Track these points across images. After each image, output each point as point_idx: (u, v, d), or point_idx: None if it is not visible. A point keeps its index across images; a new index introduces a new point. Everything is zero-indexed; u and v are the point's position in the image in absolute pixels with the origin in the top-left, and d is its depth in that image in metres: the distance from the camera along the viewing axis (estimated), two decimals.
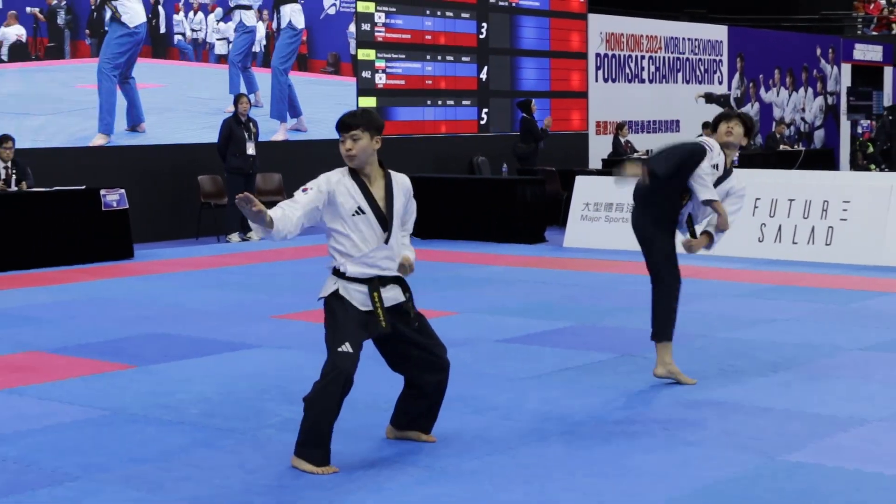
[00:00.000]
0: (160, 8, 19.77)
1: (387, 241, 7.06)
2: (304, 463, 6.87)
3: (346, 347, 6.84)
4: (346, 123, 7.10)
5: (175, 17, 19.99)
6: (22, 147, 17.15)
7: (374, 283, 7.03)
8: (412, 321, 7.20)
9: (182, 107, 20.06)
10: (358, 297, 6.99)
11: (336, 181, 7.03)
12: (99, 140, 18.78)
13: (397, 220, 7.20)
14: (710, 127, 9.43)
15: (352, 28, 22.54)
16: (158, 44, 19.84)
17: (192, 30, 20.27)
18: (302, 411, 6.90)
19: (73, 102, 18.60)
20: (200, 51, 20.44)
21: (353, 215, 6.95)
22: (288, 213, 6.75)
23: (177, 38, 20.03)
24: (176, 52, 20.12)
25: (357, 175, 7.13)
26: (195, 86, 20.36)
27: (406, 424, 7.49)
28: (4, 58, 17.62)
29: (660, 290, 9.25)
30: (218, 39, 20.61)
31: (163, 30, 19.86)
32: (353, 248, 6.97)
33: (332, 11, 22.26)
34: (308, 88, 21.91)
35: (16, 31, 17.57)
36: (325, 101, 21.95)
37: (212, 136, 19.57)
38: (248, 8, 20.93)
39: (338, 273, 7.02)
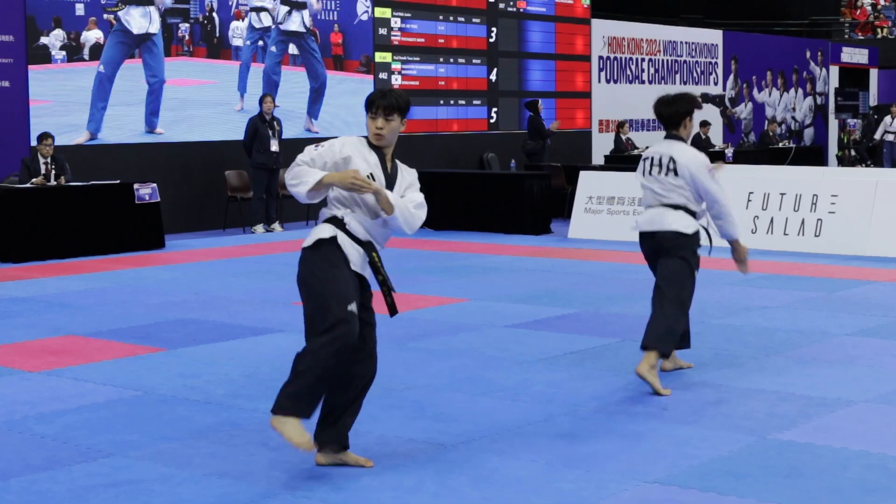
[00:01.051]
0: (214, 14, 20.06)
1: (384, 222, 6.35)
2: (289, 421, 6.12)
3: (353, 308, 6.12)
4: (387, 105, 6.50)
5: (234, 23, 20.43)
6: (61, 144, 17.18)
7: (371, 246, 6.34)
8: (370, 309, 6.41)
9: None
10: (354, 254, 6.27)
11: (353, 145, 6.41)
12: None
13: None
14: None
15: (383, 32, 22.59)
16: (211, 45, 20.13)
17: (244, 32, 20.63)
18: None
19: (141, 94, 19.17)
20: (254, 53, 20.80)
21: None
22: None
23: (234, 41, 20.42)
24: (228, 53, 20.41)
25: (376, 148, 6.52)
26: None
27: (332, 426, 6.45)
28: (86, 56, 18.40)
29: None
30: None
31: (217, 33, 20.24)
32: (355, 206, 6.31)
33: (364, 18, 22.35)
34: (332, 87, 21.95)
35: (95, 35, 18.49)
36: (345, 98, 21.93)
37: (238, 134, 19.59)
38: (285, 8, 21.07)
39: (335, 221, 6.29)
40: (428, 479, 6.30)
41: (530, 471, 6.44)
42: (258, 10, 20.79)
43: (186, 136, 19.63)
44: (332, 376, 6.17)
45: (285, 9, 21.14)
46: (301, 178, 6.19)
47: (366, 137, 6.55)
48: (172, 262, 15.71)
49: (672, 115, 8.81)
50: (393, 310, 6.41)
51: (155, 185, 17.45)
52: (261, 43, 20.81)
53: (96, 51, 18.46)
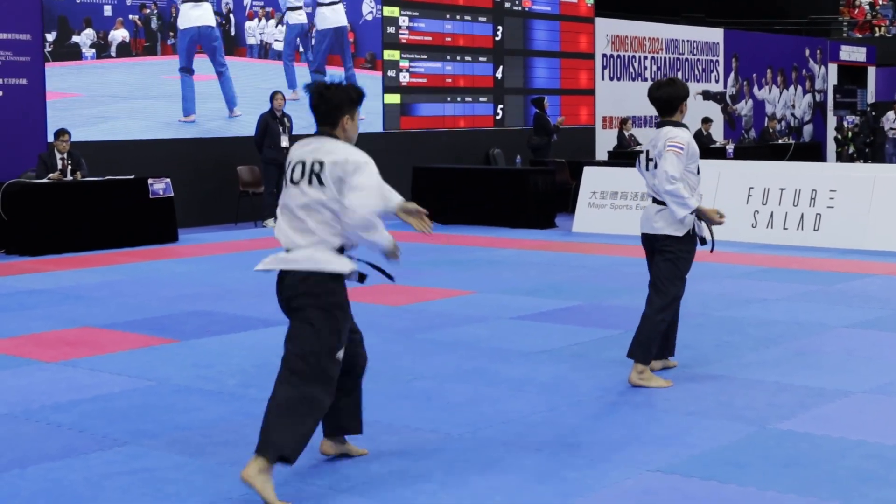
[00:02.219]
0: (231, 15, 20.24)
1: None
2: (267, 484, 5.71)
3: (340, 356, 5.99)
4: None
5: (248, 23, 20.58)
6: (77, 140, 17.21)
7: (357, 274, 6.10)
8: None
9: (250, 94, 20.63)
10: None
11: None
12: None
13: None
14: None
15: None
16: (230, 43, 20.32)
17: (261, 33, 20.81)
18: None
19: (162, 90, 19.44)
20: (263, 50, 20.90)
21: None
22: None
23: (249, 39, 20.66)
24: (244, 51, 20.57)
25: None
26: (257, 78, 20.82)
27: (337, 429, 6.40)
28: (113, 54, 18.85)
29: None
30: (276, 41, 21.00)
31: (233, 32, 20.40)
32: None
33: (369, 17, 22.33)
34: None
35: (121, 34, 18.96)
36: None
37: (250, 131, 19.60)
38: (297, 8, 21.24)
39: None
40: (435, 468, 6.31)
41: (535, 460, 6.44)
42: (294, 8, 20.98)
43: (210, 130, 19.72)
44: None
45: (325, 8, 21.45)
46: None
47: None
48: (186, 256, 15.72)
49: (667, 98, 8.55)
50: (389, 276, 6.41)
51: (169, 180, 17.46)
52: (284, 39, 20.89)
53: (123, 49, 18.91)
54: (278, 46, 21.05)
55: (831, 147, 35.77)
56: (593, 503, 5.78)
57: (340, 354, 5.94)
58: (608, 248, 16.11)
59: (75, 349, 9.59)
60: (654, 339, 8.29)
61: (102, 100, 18.62)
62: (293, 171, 5.97)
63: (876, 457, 6.45)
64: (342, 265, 5.92)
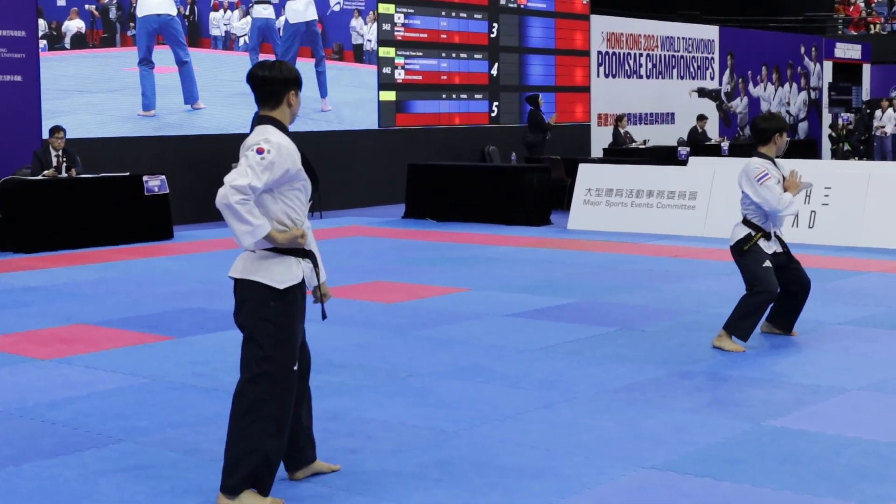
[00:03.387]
0: (195, 6, 19.94)
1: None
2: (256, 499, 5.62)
3: (296, 369, 5.78)
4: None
5: (213, 13, 20.26)
6: (73, 137, 17.19)
7: (311, 255, 5.93)
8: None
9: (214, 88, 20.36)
10: (307, 275, 5.90)
11: (289, 142, 5.85)
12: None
13: None
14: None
15: (354, 22, 22.43)
16: (193, 34, 20.04)
17: (225, 24, 20.51)
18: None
19: (121, 83, 19.03)
20: (227, 41, 20.61)
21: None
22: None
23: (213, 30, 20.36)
24: (208, 42, 20.28)
25: (289, 134, 5.90)
26: (221, 70, 20.56)
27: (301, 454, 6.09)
28: (67, 45, 18.28)
29: None
30: (244, 35, 20.75)
31: (197, 23, 20.13)
32: (299, 215, 5.86)
33: (336, 8, 22.18)
34: (349, 78, 22.00)
35: (76, 24, 18.39)
36: (347, 91, 21.96)
37: (245, 129, 19.59)
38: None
39: (289, 251, 5.75)
40: (431, 465, 6.30)
41: (531, 457, 6.44)
42: (261, 2, 20.86)
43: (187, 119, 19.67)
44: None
45: (296, 2, 21.32)
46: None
47: (278, 123, 5.95)
48: (181, 253, 15.71)
49: (763, 130, 9.43)
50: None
51: (164, 177, 17.45)
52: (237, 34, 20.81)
53: (78, 40, 18.36)
54: (244, 38, 20.78)
55: (826, 144, 35.81)
56: (589, 499, 5.78)
57: None
58: (603, 245, 16.11)
59: (70, 346, 9.58)
60: (743, 320, 9.27)
61: (55, 93, 18.02)
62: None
63: (871, 453, 6.45)
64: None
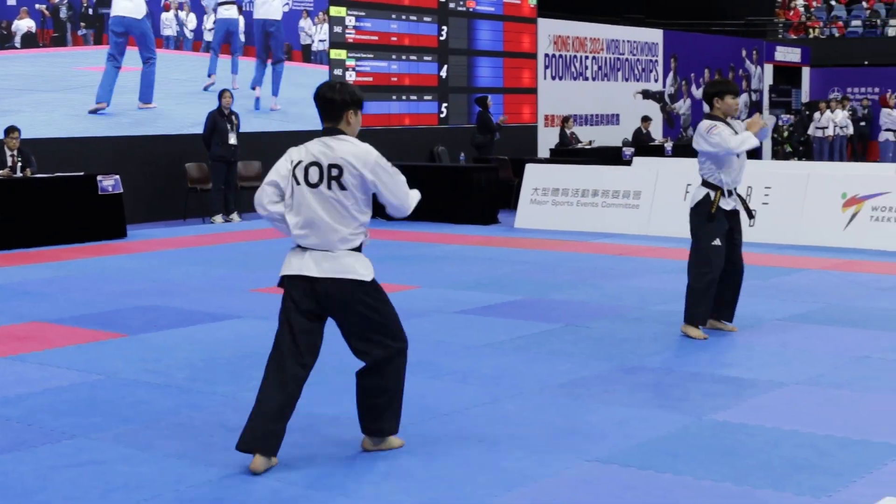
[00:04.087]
0: (147, 6, 19.79)
1: None
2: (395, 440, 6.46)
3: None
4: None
5: (164, 14, 20.13)
6: (27, 137, 17.06)
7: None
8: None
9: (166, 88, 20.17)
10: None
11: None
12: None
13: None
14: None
15: (302, 23, 22.34)
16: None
17: (178, 24, 20.38)
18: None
19: (72, 82, 18.80)
20: (178, 42, 20.46)
21: None
22: None
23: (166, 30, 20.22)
24: (160, 42, 20.08)
25: None
26: (176, 70, 20.42)
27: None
28: (18, 45, 18.05)
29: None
30: (207, 32, 20.67)
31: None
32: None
33: (285, 9, 22.07)
34: (298, 78, 21.95)
35: (27, 24, 18.13)
36: (296, 91, 21.90)
37: (198, 128, 19.50)
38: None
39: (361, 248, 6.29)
40: (379, 460, 6.31)
41: (477, 451, 6.46)
42: (224, 3, 20.81)
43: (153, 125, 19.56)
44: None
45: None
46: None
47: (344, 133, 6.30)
48: (134, 252, 15.63)
49: (704, 94, 9.73)
50: None
51: (118, 176, 17.36)
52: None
53: (28, 40, 18.10)
54: (204, 37, 20.62)
55: (767, 145, 36.03)
56: (534, 492, 5.80)
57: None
58: (550, 243, 16.15)
59: (24, 344, 9.52)
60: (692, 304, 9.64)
61: (5, 93, 17.79)
62: (307, 172, 6.19)
63: (809, 446, 6.51)
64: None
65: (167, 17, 20.13)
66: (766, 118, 9.66)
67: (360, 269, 6.23)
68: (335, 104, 6.21)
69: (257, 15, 21.47)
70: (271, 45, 21.69)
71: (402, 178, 6.19)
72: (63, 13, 18.57)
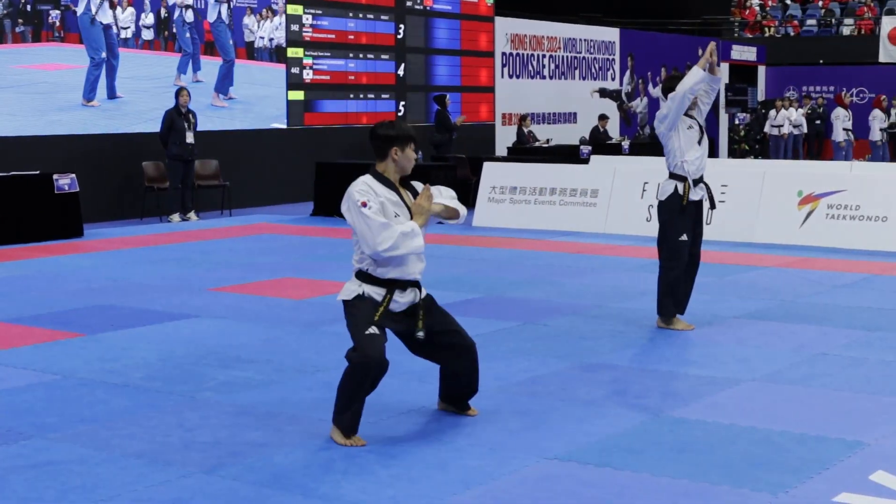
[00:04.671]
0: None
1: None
2: (335, 432, 6.60)
3: (373, 329, 6.57)
4: (413, 136, 6.93)
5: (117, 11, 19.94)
6: None
7: (391, 287, 6.77)
8: (418, 329, 6.84)
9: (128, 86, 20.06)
10: (379, 299, 6.74)
11: (377, 190, 6.77)
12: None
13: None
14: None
15: (246, 20, 22.22)
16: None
17: (124, 27, 20.15)
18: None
19: (11, 80, 18.48)
20: (136, 40, 20.31)
21: (395, 217, 6.75)
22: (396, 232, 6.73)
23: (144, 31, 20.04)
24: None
25: (386, 180, 6.86)
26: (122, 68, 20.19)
27: (451, 401, 7.23)
28: None
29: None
30: (145, 27, 20.45)
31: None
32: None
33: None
34: (243, 76, 21.85)
35: None
36: (254, 89, 21.83)
37: (155, 126, 19.41)
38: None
39: (361, 276, 6.76)
40: (338, 458, 6.30)
41: (436, 449, 6.46)
42: (183, 6, 20.70)
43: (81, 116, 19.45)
44: (364, 389, 6.63)
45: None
46: (403, 240, 6.78)
47: (375, 173, 6.85)
48: (91, 251, 15.54)
49: (661, 90, 9.98)
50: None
51: (74, 175, 17.26)
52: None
53: None
54: (125, 33, 20.22)
55: (724, 143, 36.20)
56: (493, 490, 5.80)
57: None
58: (507, 241, 16.17)
59: None
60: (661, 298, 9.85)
61: None
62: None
63: (765, 442, 6.55)
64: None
65: (117, 16, 19.95)
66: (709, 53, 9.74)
67: (343, 291, 6.79)
68: (373, 141, 6.84)
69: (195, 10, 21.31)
70: (217, 43, 21.56)
71: (375, 222, 6.62)
72: (0, 9, 18.27)
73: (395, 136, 6.77)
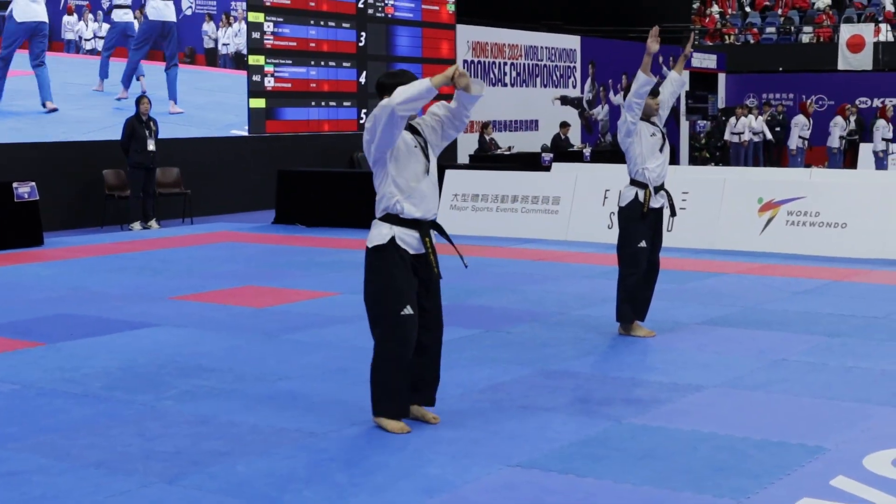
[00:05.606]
0: (47, 9, 19.41)
1: (428, 171, 7.16)
2: (383, 420, 6.88)
3: (408, 310, 6.78)
4: (416, 79, 7.33)
5: (66, 17, 19.75)
6: None
7: (426, 227, 7.06)
8: (436, 274, 7.18)
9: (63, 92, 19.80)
10: (412, 242, 7.01)
11: None
12: None
13: (433, 153, 7.37)
14: None
15: (206, 26, 22.21)
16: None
17: (77, 30, 20.05)
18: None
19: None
20: (76, 46, 20.11)
21: (415, 147, 7.17)
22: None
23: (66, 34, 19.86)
24: (60, 45, 19.72)
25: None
26: (73, 74, 20.07)
27: (417, 389, 7.12)
28: None
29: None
30: (98, 37, 20.30)
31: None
32: (406, 185, 7.02)
33: (188, 12, 21.87)
34: (203, 82, 21.79)
35: None
36: (200, 95, 21.76)
37: (115, 134, 19.32)
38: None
39: (390, 218, 6.96)
40: (300, 467, 6.28)
41: (399, 457, 6.45)
42: (120, 7, 20.51)
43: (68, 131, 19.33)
44: (405, 370, 6.92)
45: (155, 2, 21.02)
46: (408, 86, 7.21)
47: None
48: (51, 259, 15.45)
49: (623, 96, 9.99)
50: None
51: (34, 183, 17.16)
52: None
53: None
54: (91, 44, 20.23)
55: (685, 150, 36.35)
56: (456, 498, 5.80)
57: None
58: (469, 249, 16.14)
59: None
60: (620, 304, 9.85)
61: None
62: None
63: (726, 448, 6.57)
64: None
65: (69, 21, 19.80)
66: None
67: (373, 236, 7.01)
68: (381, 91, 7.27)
69: (152, 17, 21.17)
70: (165, 48, 21.44)
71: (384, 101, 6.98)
72: None
73: (400, 80, 7.22)
